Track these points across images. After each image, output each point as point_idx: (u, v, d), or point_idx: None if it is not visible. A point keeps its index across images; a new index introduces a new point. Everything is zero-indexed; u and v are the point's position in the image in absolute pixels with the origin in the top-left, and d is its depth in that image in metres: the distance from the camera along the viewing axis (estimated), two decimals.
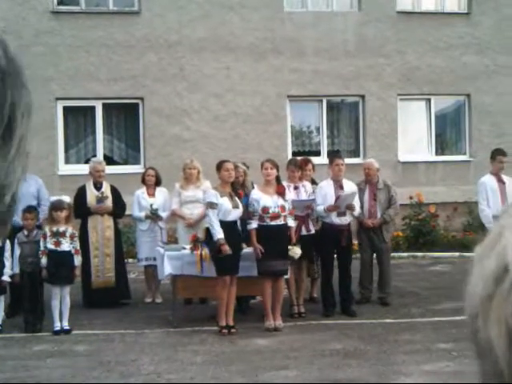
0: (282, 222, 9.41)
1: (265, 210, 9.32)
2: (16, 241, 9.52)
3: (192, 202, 10.77)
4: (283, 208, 9.39)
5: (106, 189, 11.03)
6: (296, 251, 9.31)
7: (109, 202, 10.95)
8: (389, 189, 11.05)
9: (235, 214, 9.25)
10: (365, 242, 10.91)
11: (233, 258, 9.09)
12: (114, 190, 11.11)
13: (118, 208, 11.05)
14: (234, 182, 9.60)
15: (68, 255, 9.43)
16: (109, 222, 10.97)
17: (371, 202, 10.83)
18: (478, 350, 0.82)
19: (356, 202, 10.20)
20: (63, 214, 9.46)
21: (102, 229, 10.89)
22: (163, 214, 11.10)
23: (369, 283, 10.97)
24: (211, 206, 9.17)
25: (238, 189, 9.77)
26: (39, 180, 11.02)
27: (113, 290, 10.79)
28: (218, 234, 9.05)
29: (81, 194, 10.97)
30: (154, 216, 11.05)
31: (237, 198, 9.33)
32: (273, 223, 9.34)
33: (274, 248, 9.15)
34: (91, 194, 10.95)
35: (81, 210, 10.67)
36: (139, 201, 11.23)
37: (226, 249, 8.97)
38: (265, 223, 9.34)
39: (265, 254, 9.20)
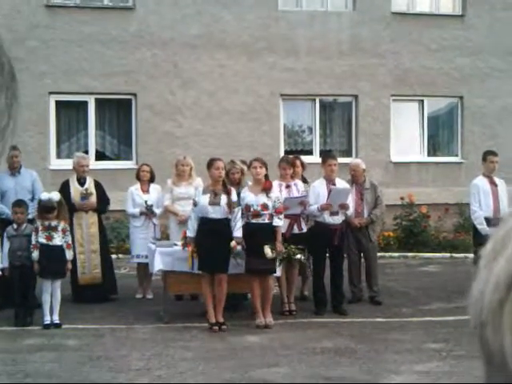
0: (266, 221, 9.36)
1: (247, 207, 9.31)
2: (5, 234, 9.48)
3: (184, 198, 10.74)
4: (264, 206, 9.32)
5: (89, 184, 10.89)
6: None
7: (93, 199, 10.83)
8: (375, 189, 11.07)
9: (215, 212, 9.18)
10: (351, 242, 10.90)
11: (212, 254, 9.04)
12: (97, 185, 11.01)
13: (102, 204, 10.97)
14: (229, 179, 9.60)
15: (60, 249, 9.38)
16: (93, 218, 10.87)
17: (358, 202, 10.83)
18: (487, 357, 0.78)
19: (349, 202, 10.20)
20: (54, 214, 9.40)
21: (86, 225, 10.78)
22: (157, 211, 11.05)
23: (358, 282, 10.99)
24: (193, 203, 9.28)
25: (230, 186, 9.69)
26: (34, 173, 10.97)
27: (100, 286, 10.73)
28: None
29: (64, 189, 10.74)
30: (149, 212, 11.00)
31: (224, 196, 9.21)
32: (254, 221, 9.33)
33: (256, 246, 9.13)
34: (75, 190, 10.80)
35: None
36: (133, 197, 11.15)
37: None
38: (248, 221, 9.35)
39: (249, 251, 9.21)
